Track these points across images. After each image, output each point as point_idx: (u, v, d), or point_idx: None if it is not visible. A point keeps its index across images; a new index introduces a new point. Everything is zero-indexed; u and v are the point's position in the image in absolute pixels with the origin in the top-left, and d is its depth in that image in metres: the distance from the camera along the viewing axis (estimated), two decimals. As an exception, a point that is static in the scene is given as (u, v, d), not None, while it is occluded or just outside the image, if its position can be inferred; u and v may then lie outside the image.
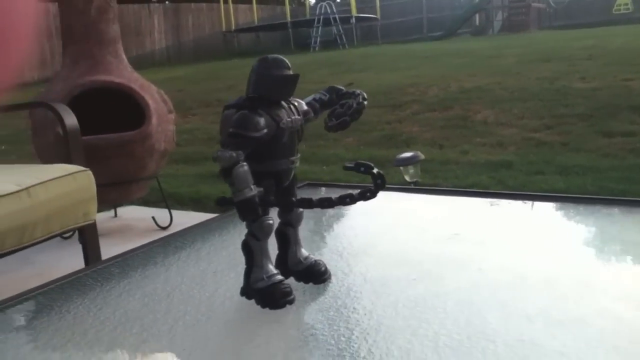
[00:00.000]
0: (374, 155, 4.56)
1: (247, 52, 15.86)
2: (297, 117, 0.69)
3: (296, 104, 0.72)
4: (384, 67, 9.35)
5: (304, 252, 0.74)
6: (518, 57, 8.60)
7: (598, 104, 5.29)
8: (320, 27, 14.84)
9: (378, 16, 16.77)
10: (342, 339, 0.58)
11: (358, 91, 0.76)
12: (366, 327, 0.62)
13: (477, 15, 17.24)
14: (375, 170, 0.69)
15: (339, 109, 0.74)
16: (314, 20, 15.27)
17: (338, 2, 21.27)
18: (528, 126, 4.95)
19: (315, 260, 0.74)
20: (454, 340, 0.58)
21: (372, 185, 0.68)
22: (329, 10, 15.15)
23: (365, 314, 0.65)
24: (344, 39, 14.84)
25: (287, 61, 0.69)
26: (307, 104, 0.75)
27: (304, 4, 19.14)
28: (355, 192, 0.68)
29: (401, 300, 0.69)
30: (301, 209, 0.72)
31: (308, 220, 0.95)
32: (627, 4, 14.61)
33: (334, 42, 14.93)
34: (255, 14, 17.54)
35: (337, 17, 14.89)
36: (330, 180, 4.22)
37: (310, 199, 0.69)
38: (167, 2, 18.67)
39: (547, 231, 1.02)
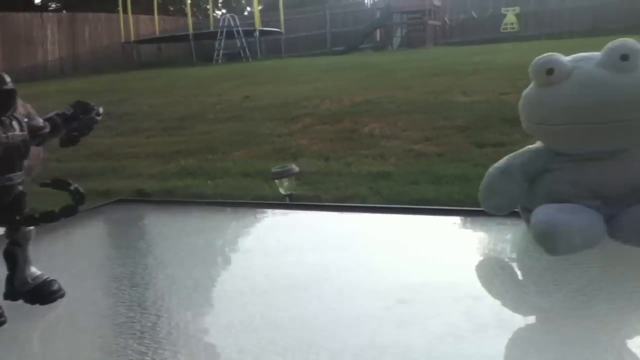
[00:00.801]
0: (261, 168, 4.56)
1: (148, 64, 15.47)
2: (17, 132, 0.67)
3: (21, 119, 0.70)
4: (284, 81, 9.42)
5: (34, 271, 0.72)
6: (411, 72, 8.96)
7: (475, 116, 5.60)
8: (223, 40, 14.74)
9: (282, 30, 16.91)
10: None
11: (96, 106, 0.75)
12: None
13: (378, 31, 17.81)
14: (72, 187, 0.68)
15: (75, 124, 0.73)
16: (217, 32, 15.15)
17: (245, 15, 21.27)
18: (410, 138, 5.15)
19: (47, 280, 0.72)
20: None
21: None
22: (232, 23, 15.10)
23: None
24: (248, 52, 14.83)
25: (3, 76, 0.67)
26: (47, 119, 0.73)
27: (208, 16, 18.96)
28: (57, 208, 0.67)
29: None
30: (29, 227, 0.70)
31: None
32: (512, 23, 15.64)
33: (238, 55, 14.89)
34: (156, 25, 17.15)
35: (240, 30, 14.86)
36: (213, 194, 4.18)
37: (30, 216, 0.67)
38: (63, 12, 17.88)
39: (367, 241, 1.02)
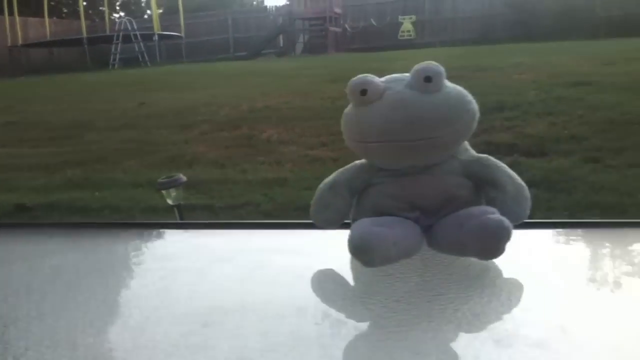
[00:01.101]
0: (153, 178, 4.42)
1: (38, 69, 14.62)
2: None
3: None
4: (183, 87, 9.22)
5: None
6: (311, 78, 9.06)
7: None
8: (120, 44, 14.22)
9: (182, 34, 16.57)
10: None
11: None
12: None
13: (281, 37, 17.90)
14: None
15: None
16: (113, 36, 14.59)
17: (145, 19, 20.59)
18: (306, 144, 5.19)
19: None
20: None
21: None
22: (129, 27, 14.61)
23: None
24: (147, 57, 14.40)
25: None
26: None
27: (105, 19, 18.21)
28: None
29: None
30: None
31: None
32: (409, 31, 16.28)
33: (136, 60, 14.41)
34: (47, 28, 16.25)
35: (138, 34, 14.40)
36: (99, 207, 4.00)
37: None
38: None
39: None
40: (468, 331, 0.59)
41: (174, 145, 5.53)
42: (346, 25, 17.41)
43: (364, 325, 0.61)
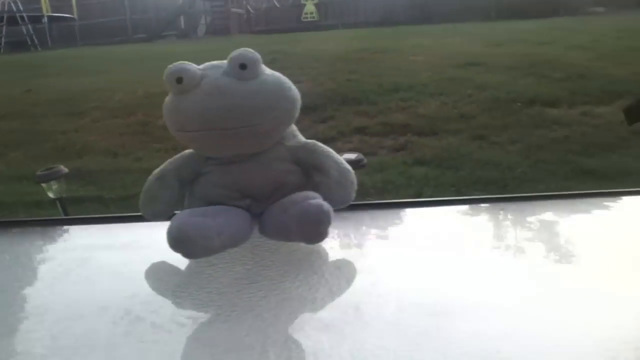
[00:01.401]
0: (38, 170, 4.18)
1: None
2: None
3: None
4: (75, 72, 8.73)
5: None
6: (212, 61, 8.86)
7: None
8: (4, 27, 13.22)
9: (75, 16, 15.66)
10: None
11: None
12: None
13: (182, 19, 17.36)
14: None
15: None
16: (-4, 18, 13.55)
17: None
18: (204, 129, 5.08)
19: None
20: None
21: None
22: (14, 8, 13.61)
23: None
24: (36, 41, 13.50)
25: None
26: None
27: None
28: None
29: None
30: None
31: None
32: (312, 13, 16.29)
33: (25, 43, 13.48)
34: None
35: (24, 16, 13.45)
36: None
37: None
38: None
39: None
40: (294, 316, 0.60)
41: (62, 135, 5.25)
42: (248, 7, 17.16)
43: (175, 319, 0.60)
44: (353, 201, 0.80)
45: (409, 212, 0.98)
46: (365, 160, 3.46)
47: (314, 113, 5.34)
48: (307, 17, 16.33)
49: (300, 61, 8.11)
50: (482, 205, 0.99)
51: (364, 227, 0.90)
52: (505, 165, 4.05)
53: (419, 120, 5.09)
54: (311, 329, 0.57)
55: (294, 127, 0.81)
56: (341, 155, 2.99)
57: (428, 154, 4.34)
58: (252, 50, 0.74)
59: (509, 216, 0.96)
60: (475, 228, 0.90)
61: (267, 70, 0.76)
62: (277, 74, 0.77)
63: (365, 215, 0.93)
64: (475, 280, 0.67)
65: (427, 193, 3.59)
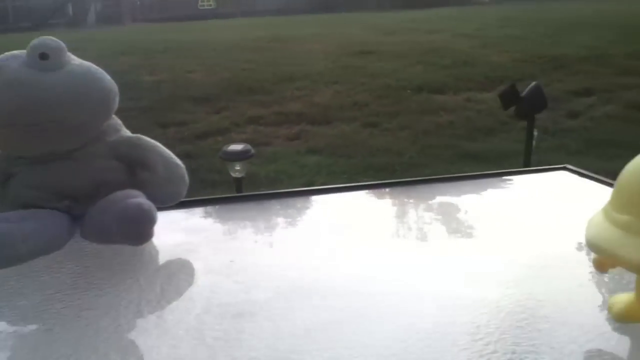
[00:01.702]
0: None
1: None
2: None
3: None
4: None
5: None
6: (100, 51, 8.40)
7: (160, 95, 5.53)
8: None
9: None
10: None
11: None
12: None
13: (70, 5, 16.38)
14: None
15: None
16: None
17: None
18: (89, 123, 4.83)
19: None
20: None
21: None
22: None
23: None
24: None
25: None
26: None
27: None
28: None
29: None
30: None
31: None
32: (209, 1, 15.98)
33: None
34: None
35: None
36: None
37: None
38: None
39: None
40: (126, 319, 0.56)
41: None
42: (142, -6, 16.50)
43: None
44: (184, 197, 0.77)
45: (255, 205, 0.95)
46: (252, 151, 3.39)
47: (207, 104, 5.23)
48: (204, 5, 15.97)
49: (195, 50, 7.91)
50: (364, 191, 0.99)
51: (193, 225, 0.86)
52: (395, 151, 4.17)
53: (314, 109, 5.12)
54: (135, 335, 0.54)
55: (117, 121, 0.76)
56: (228, 147, 2.90)
57: (321, 142, 4.38)
58: (54, 38, 0.68)
59: (388, 200, 0.96)
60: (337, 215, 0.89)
61: (76, 60, 0.70)
62: (88, 63, 0.71)
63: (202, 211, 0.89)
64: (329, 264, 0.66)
65: (318, 181, 3.62)
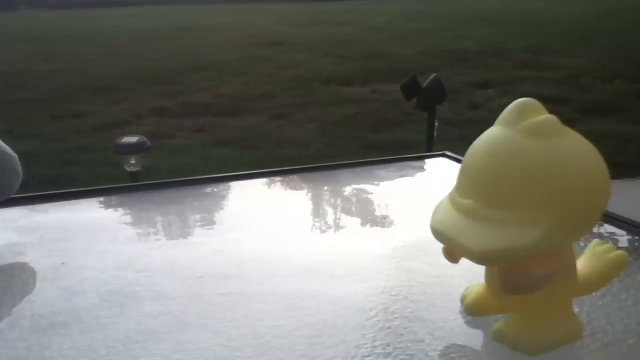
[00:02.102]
0: None
1: None
2: None
3: None
4: None
5: None
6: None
7: (56, 85, 5.19)
8: None
9: None
10: None
11: None
12: None
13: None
14: None
15: None
16: None
17: None
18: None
19: None
20: None
21: None
22: None
23: None
24: None
25: None
26: None
27: None
28: None
29: None
30: None
31: None
32: (114, -13, 15.24)
33: None
34: None
35: None
36: None
37: None
38: None
39: None
40: None
41: None
42: (41, -22, 15.47)
43: None
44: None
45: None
46: (149, 144, 3.22)
47: (106, 94, 4.97)
48: (108, -8, 15.21)
49: (96, 39, 7.52)
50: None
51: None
52: (303, 143, 4.13)
53: (220, 101, 4.99)
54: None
55: None
56: (122, 140, 2.71)
57: (228, 134, 4.27)
58: None
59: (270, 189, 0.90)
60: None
61: None
62: None
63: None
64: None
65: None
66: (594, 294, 0.53)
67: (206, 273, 0.60)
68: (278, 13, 9.92)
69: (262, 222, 0.78)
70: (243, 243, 0.70)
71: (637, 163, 3.34)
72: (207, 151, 4.01)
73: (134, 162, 2.78)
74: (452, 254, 0.49)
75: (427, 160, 1.08)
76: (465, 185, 0.46)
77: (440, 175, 0.99)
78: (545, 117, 0.44)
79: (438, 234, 0.46)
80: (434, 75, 3.29)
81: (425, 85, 3.15)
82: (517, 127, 0.44)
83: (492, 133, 0.46)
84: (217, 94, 5.18)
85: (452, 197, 0.47)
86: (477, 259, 0.44)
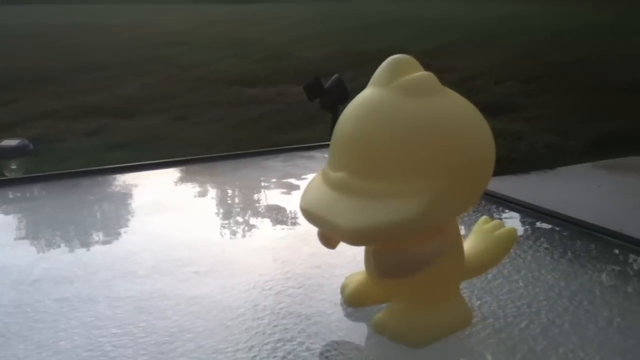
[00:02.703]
0: None
1: None
2: None
3: None
4: None
5: None
6: None
7: None
8: None
9: None
10: None
11: None
12: None
13: None
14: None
15: None
16: None
17: None
18: None
19: None
20: None
21: None
22: None
23: None
24: None
25: None
26: None
27: None
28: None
29: None
30: None
31: None
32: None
33: None
34: None
35: None
36: None
37: None
38: None
39: None
40: None
41: None
42: None
43: None
44: None
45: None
46: (31, 146, 3.00)
47: (-10, 95, 4.57)
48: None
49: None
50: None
51: None
52: (205, 144, 3.99)
53: (116, 102, 4.73)
54: None
55: None
56: (0, 142, 2.47)
57: (124, 137, 4.04)
58: None
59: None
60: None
61: None
62: None
63: None
64: None
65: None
66: (485, 275, 0.48)
67: (43, 276, 0.50)
68: (183, 12, 9.65)
69: (120, 218, 0.69)
70: (93, 241, 0.60)
71: (528, 159, 3.50)
72: (100, 155, 3.77)
73: (14, 167, 2.55)
74: (328, 238, 0.43)
75: (316, 150, 1.02)
76: (336, 156, 0.40)
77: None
78: (422, 73, 0.38)
79: (307, 214, 0.39)
80: (335, 75, 3.29)
81: (327, 85, 3.14)
82: (391, 85, 0.38)
83: (364, 94, 0.40)
84: (114, 94, 4.91)
85: (323, 173, 0.41)
86: (348, 238, 0.37)
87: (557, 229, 0.63)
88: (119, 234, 0.64)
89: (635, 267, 0.55)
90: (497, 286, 0.49)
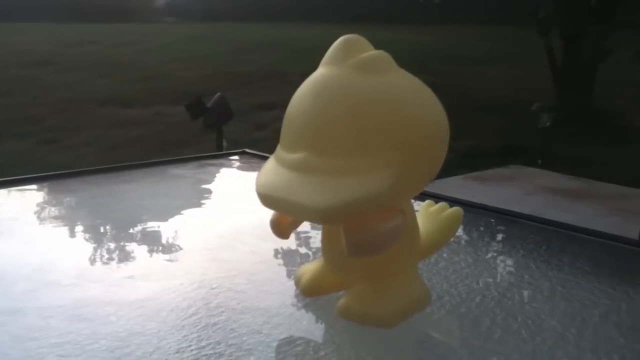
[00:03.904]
0: None
1: None
2: None
3: None
4: None
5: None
6: None
7: None
8: None
9: None
10: None
11: None
12: None
13: None
14: None
15: None
16: None
17: None
18: None
19: None
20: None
21: None
22: None
23: None
24: None
25: None
26: None
27: None
28: None
29: None
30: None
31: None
32: None
33: None
34: None
35: None
36: None
37: None
38: None
39: None
40: None
41: None
42: None
43: None
44: None
45: None
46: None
47: None
48: None
49: None
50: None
51: None
52: (79, 168, 3.75)
53: (-27, 125, 4.31)
54: None
55: None
56: None
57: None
58: None
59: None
60: None
61: None
62: None
63: None
64: None
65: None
66: (427, 260, 0.49)
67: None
68: (47, 32, 9.06)
69: (30, 230, 0.62)
70: (3, 253, 0.53)
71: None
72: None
73: None
74: (281, 226, 0.41)
75: (226, 158, 1.01)
76: (292, 137, 0.39)
77: (240, 171, 0.93)
78: (377, 51, 0.39)
79: (267, 199, 0.38)
80: (218, 94, 3.24)
81: (210, 104, 3.09)
82: (346, 63, 0.38)
83: (318, 73, 0.40)
84: (-31, 118, 4.47)
85: (277, 156, 0.39)
86: (320, 217, 0.36)
87: (478, 216, 0.66)
88: (26, 246, 0.57)
89: (557, 243, 0.59)
90: (443, 268, 0.50)
